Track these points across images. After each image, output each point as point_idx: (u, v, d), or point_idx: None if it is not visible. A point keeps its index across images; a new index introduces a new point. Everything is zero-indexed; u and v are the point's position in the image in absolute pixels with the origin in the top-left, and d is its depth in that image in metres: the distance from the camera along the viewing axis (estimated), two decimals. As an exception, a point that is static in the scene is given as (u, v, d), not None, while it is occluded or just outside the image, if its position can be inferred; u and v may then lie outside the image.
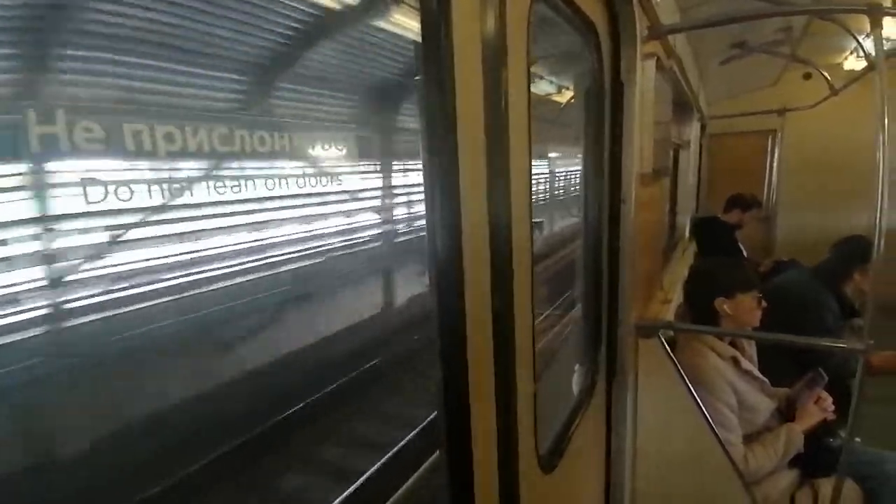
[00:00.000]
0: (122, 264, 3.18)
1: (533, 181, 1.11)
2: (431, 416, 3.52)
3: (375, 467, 3.33)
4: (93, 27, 2.71)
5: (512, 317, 0.96)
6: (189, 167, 3.45)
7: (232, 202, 3.75)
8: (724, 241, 4.58)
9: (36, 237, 2.76)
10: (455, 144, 0.78)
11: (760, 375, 2.13)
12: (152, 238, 3.31)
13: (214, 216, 3.61)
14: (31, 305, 2.90)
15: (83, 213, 2.81)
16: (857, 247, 3.01)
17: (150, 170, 3.14)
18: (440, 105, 0.76)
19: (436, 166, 0.78)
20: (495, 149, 0.87)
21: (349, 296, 5.37)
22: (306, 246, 4.86)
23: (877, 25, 1.63)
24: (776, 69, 5.53)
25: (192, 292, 3.51)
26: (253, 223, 3.96)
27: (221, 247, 3.72)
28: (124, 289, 3.25)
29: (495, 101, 0.86)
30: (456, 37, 0.76)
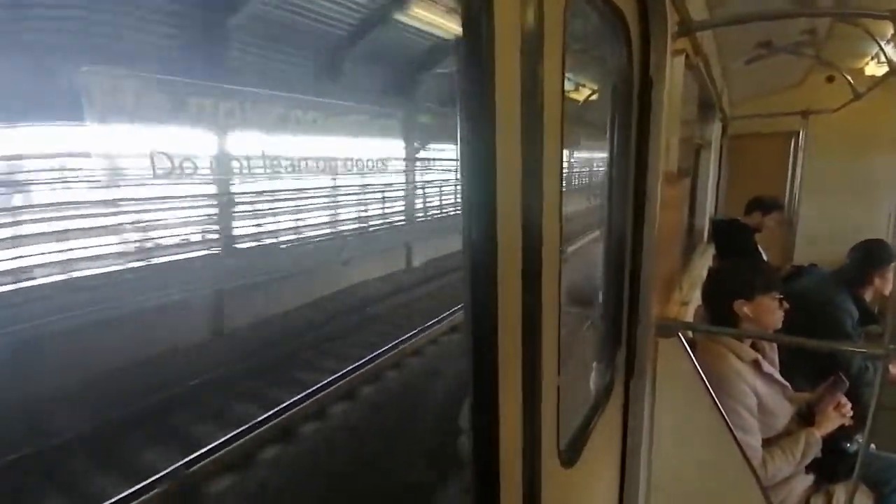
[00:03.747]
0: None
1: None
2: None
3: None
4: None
5: (540, 312, 0.96)
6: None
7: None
8: (744, 244, 4.52)
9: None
10: (493, 135, 0.78)
11: (782, 379, 2.11)
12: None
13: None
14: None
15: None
16: (875, 251, 2.98)
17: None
18: (480, 97, 0.76)
19: (474, 156, 0.78)
20: (530, 140, 0.87)
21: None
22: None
23: None
24: (799, 72, 5.45)
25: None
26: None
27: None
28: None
29: (532, 93, 0.86)
30: (497, 29, 0.76)
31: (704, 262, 4.23)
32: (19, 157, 4.31)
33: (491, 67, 0.76)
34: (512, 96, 0.82)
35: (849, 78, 4.52)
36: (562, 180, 1.09)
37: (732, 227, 4.73)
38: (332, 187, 7.90)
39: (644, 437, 1.90)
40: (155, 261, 5.42)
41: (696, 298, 2.79)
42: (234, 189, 6.33)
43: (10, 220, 4.37)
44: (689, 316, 2.71)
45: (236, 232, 6.52)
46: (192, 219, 5.91)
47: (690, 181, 4.21)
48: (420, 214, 10.45)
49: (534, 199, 0.90)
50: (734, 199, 5.72)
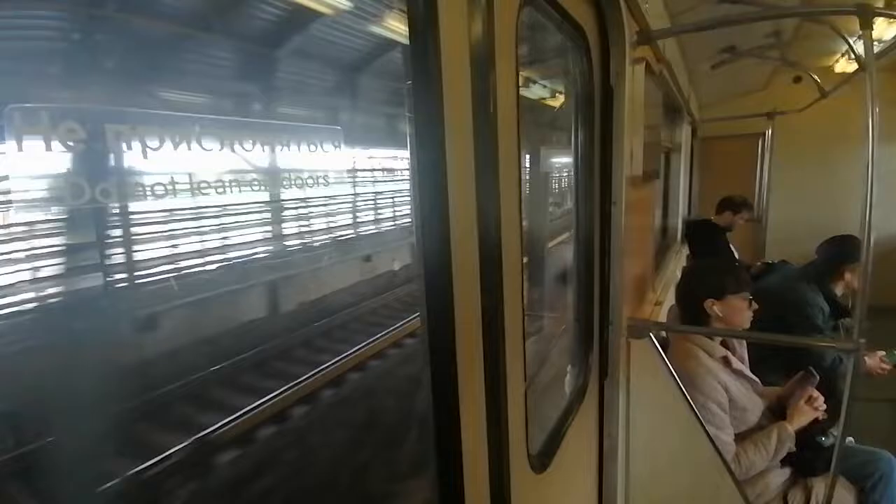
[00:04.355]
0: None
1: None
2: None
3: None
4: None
5: (502, 316, 0.97)
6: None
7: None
8: (716, 243, 4.61)
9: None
10: (443, 148, 0.79)
11: (751, 375, 2.15)
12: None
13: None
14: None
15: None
16: (845, 246, 3.02)
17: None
18: (428, 109, 0.77)
19: (425, 169, 0.79)
20: (484, 152, 0.88)
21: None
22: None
23: (867, 27, 1.64)
24: (766, 74, 5.58)
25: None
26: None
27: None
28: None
29: (483, 104, 0.87)
30: (444, 41, 0.77)
31: (678, 262, 4.29)
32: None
33: (438, 76, 0.77)
34: (462, 105, 0.84)
35: (815, 77, 4.63)
36: (521, 187, 1.10)
37: (704, 226, 4.83)
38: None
39: (620, 437, 1.92)
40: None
41: (671, 298, 2.84)
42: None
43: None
44: (664, 315, 2.75)
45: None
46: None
47: (663, 184, 4.27)
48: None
49: (490, 206, 0.91)
50: (706, 199, 5.83)
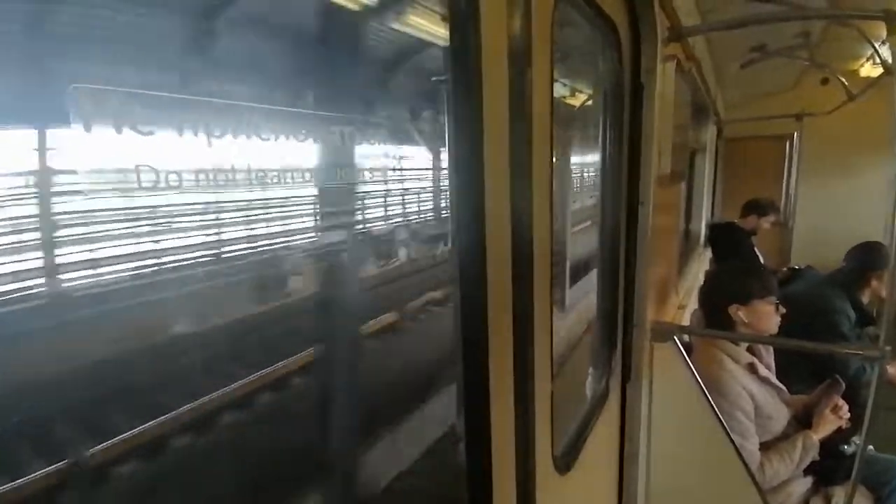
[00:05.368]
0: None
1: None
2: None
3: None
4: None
5: (531, 315, 0.96)
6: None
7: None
8: (740, 247, 4.53)
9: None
10: (481, 144, 0.78)
11: (778, 382, 2.11)
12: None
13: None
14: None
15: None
16: (873, 253, 2.98)
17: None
18: (467, 105, 0.77)
19: (462, 164, 0.79)
20: (519, 147, 0.87)
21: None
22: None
23: (893, 32, 1.62)
24: (793, 75, 5.46)
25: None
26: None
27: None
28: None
29: (520, 101, 0.86)
30: (484, 39, 0.76)
31: (701, 265, 4.23)
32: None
33: (478, 74, 0.76)
34: (499, 102, 0.83)
35: (843, 80, 4.52)
36: (552, 185, 1.09)
37: (729, 230, 4.75)
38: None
39: (642, 441, 1.90)
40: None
41: (694, 302, 2.79)
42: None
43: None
44: (686, 319, 2.71)
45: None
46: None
47: (686, 185, 4.22)
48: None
49: (523, 205, 0.90)
50: (731, 202, 5.73)
